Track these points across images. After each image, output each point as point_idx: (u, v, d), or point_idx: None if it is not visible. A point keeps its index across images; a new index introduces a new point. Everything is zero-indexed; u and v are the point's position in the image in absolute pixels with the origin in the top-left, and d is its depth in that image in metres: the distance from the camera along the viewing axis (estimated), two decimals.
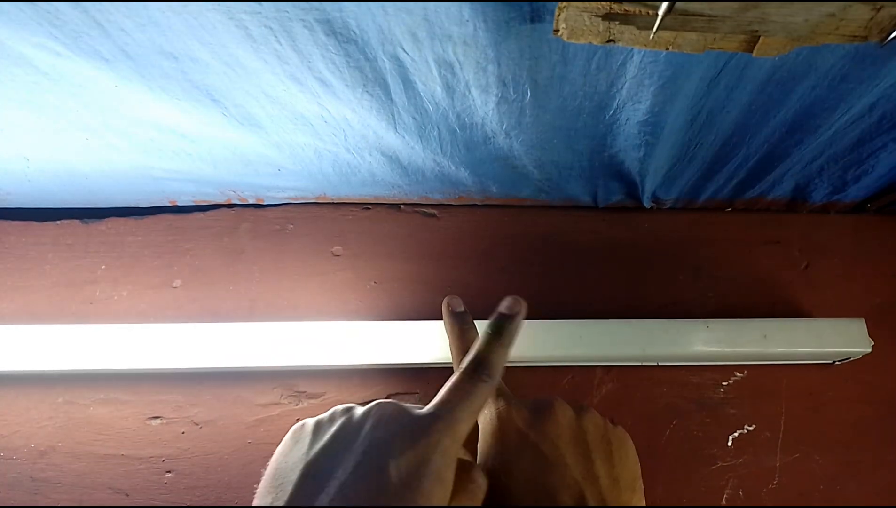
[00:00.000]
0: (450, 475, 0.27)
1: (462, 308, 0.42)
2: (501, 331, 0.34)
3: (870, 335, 0.45)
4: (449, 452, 0.27)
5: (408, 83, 0.35)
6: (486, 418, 0.35)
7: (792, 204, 0.52)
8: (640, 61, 0.33)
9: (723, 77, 0.35)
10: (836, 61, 0.34)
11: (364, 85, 0.35)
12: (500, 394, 0.36)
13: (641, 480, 0.35)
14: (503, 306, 0.34)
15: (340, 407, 0.30)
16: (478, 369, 0.32)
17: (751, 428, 0.47)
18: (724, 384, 0.47)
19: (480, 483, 0.29)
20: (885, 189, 0.50)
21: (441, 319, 0.42)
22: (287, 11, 0.28)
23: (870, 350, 0.45)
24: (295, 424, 0.30)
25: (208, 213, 0.50)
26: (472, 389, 0.30)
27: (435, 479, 0.26)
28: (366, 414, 0.29)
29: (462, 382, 0.31)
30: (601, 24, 0.26)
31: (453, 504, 0.27)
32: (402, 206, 0.51)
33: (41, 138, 0.39)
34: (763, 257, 0.52)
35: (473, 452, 0.36)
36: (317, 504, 0.24)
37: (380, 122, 0.38)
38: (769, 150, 0.44)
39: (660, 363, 0.47)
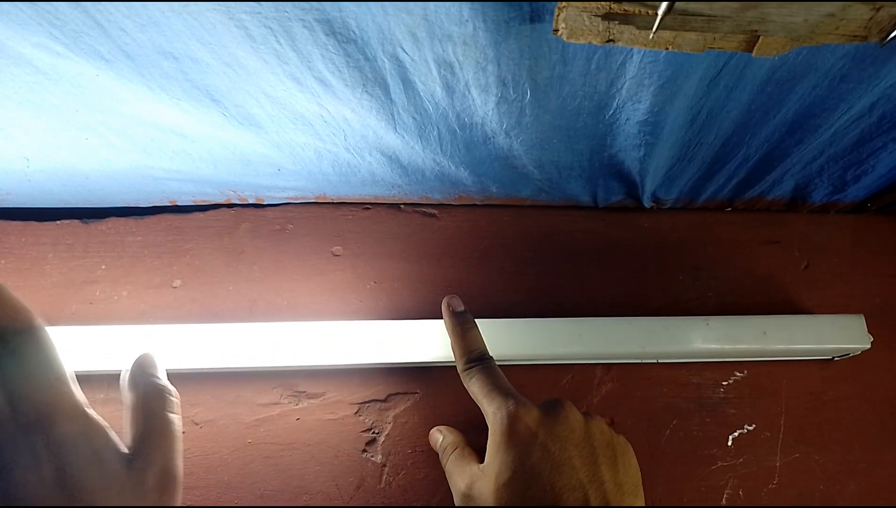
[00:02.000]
0: None
1: (462, 308, 0.42)
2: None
3: (870, 335, 0.45)
4: None
5: (407, 83, 0.35)
6: (495, 416, 0.35)
7: (792, 204, 0.52)
8: (640, 61, 0.33)
9: (723, 77, 0.35)
10: (836, 61, 0.34)
11: (364, 85, 0.35)
12: (508, 394, 0.36)
13: (642, 488, 0.36)
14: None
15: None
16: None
17: (751, 428, 0.47)
18: (724, 383, 0.47)
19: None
20: (885, 189, 0.50)
21: (441, 318, 0.42)
22: (287, 11, 0.28)
23: (869, 346, 0.45)
24: None
25: (208, 213, 0.50)
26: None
27: None
28: None
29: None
30: (601, 24, 0.26)
31: None
32: (402, 206, 0.51)
33: (41, 138, 0.39)
34: (763, 256, 0.52)
35: (482, 449, 0.37)
36: None
37: (380, 122, 0.38)
38: (769, 150, 0.44)
39: (659, 361, 0.47)
